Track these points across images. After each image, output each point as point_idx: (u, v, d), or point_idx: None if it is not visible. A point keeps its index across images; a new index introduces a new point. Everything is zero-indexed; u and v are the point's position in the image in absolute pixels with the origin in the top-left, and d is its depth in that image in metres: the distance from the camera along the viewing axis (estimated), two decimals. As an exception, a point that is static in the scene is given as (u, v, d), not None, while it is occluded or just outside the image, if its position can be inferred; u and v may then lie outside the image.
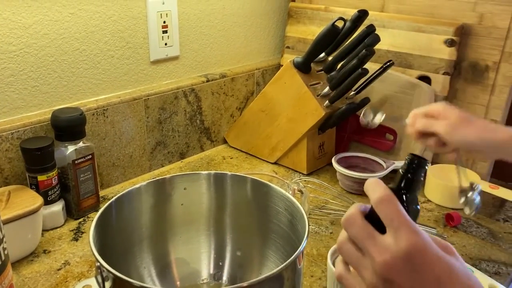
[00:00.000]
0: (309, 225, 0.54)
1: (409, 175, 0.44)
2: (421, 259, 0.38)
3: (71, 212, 0.88)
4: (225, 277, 0.65)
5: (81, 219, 0.88)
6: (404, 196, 0.44)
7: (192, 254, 0.64)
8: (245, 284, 0.47)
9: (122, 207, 0.58)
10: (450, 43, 0.99)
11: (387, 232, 0.40)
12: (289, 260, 0.50)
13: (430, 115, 0.65)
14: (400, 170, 0.45)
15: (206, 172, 0.63)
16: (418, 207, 0.45)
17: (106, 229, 0.54)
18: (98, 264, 0.49)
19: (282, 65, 1.27)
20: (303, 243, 0.52)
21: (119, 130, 0.98)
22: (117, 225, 0.56)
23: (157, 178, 0.64)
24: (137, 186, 0.60)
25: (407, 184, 0.44)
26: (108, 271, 0.46)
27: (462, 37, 0.99)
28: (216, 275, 0.65)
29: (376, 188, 0.42)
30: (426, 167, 0.45)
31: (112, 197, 0.96)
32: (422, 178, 0.45)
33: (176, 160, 1.12)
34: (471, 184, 0.68)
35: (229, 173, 0.62)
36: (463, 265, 0.41)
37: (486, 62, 0.98)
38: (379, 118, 0.91)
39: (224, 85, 1.16)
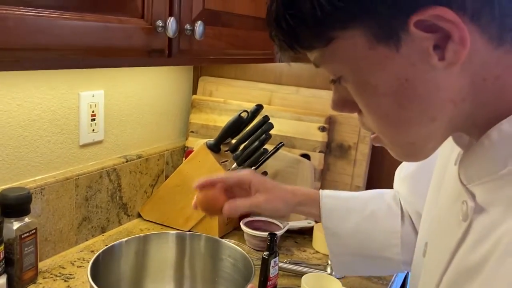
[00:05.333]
0: (253, 261, 0.74)
1: (270, 243, 0.93)
2: None
3: (12, 285, 0.94)
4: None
5: (22, 291, 0.95)
6: (272, 253, 0.94)
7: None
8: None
9: (107, 259, 0.72)
10: (322, 129, 1.32)
11: None
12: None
13: (240, 184, 0.78)
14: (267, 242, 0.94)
15: (172, 232, 0.79)
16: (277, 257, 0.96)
17: (95, 276, 0.68)
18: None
19: (187, 147, 1.49)
20: (253, 275, 0.72)
21: (52, 207, 1.07)
22: (103, 273, 0.70)
23: (135, 236, 0.79)
24: (119, 241, 0.74)
25: (272, 248, 0.92)
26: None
27: (330, 124, 1.33)
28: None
29: None
30: (276, 237, 0.94)
31: (46, 270, 1.04)
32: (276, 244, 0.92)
33: (98, 234, 1.23)
34: None
35: (188, 232, 0.80)
36: None
37: (348, 143, 1.32)
38: None
39: (140, 164, 1.33)
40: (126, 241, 0.75)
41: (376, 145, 0.52)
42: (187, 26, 0.83)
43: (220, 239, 0.81)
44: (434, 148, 0.49)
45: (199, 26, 0.83)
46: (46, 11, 0.61)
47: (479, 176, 0.46)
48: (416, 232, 0.78)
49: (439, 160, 0.64)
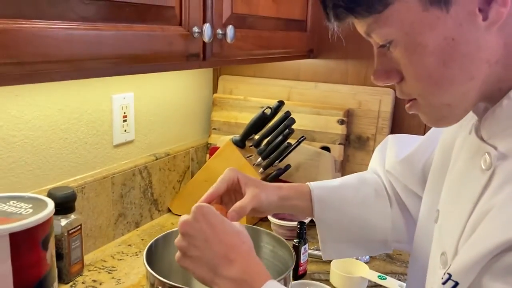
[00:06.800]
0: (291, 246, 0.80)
1: (300, 231, 1.05)
2: (202, 216, 0.64)
3: (61, 278, 1.01)
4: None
5: (71, 283, 1.01)
6: (302, 240, 1.07)
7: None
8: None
9: (159, 247, 0.78)
10: (341, 122, 1.37)
11: None
12: (285, 273, 0.74)
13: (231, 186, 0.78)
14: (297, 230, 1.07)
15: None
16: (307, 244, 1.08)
17: (149, 261, 0.74)
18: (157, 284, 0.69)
19: (210, 144, 1.55)
20: (294, 259, 0.78)
21: (92, 205, 1.14)
22: (155, 259, 0.76)
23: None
24: (170, 231, 0.81)
25: (302, 235, 1.05)
26: (166, 283, 0.67)
27: (349, 117, 1.38)
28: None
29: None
30: (305, 225, 1.06)
31: (89, 263, 1.11)
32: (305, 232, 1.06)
33: (133, 229, 1.29)
34: None
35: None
36: (243, 231, 0.65)
37: (367, 134, 1.38)
38: None
39: (168, 162, 1.39)
40: (176, 230, 0.81)
41: (410, 112, 0.58)
42: (219, 31, 0.89)
43: (257, 227, 0.87)
44: (465, 112, 0.55)
45: (230, 30, 0.89)
46: (99, 24, 0.67)
47: (502, 129, 0.52)
48: (403, 213, 0.82)
49: (441, 144, 0.70)
